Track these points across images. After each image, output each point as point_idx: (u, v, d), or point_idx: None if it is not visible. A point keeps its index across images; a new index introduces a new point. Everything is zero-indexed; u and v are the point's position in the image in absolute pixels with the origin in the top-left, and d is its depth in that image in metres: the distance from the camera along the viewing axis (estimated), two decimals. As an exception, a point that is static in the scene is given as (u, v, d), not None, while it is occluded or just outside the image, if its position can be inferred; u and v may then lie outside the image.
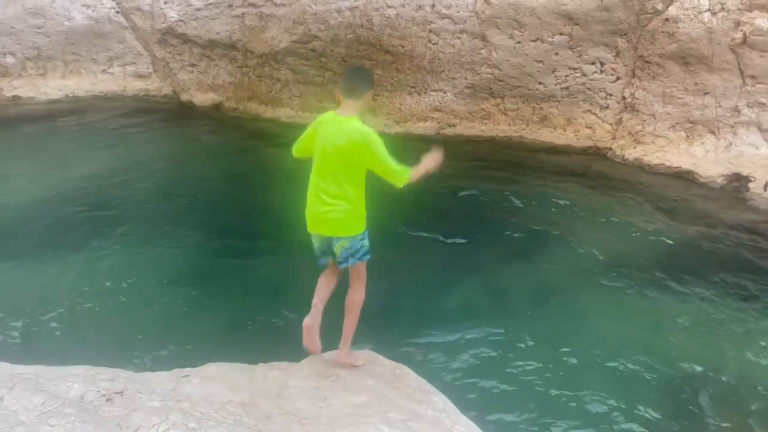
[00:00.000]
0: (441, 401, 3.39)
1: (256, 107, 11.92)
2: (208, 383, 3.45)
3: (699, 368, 6.45)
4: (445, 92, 11.02)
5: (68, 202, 8.90)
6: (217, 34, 11.53)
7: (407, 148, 10.83)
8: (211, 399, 3.29)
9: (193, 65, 12.14)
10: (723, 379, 6.34)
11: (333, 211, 4.08)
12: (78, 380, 3.30)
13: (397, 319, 6.49)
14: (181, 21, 11.68)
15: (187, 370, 3.59)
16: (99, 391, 3.22)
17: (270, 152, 10.95)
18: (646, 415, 5.87)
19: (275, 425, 3.03)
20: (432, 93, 11.10)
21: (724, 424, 5.71)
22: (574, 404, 5.90)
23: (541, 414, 5.58)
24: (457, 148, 11.05)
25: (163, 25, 11.86)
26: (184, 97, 12.41)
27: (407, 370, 3.67)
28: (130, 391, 3.24)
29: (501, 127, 11.01)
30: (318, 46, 10.98)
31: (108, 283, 6.83)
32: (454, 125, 11.17)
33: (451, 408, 3.38)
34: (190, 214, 8.70)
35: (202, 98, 12.21)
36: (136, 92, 12.60)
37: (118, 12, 12.19)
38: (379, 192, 9.53)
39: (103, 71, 12.61)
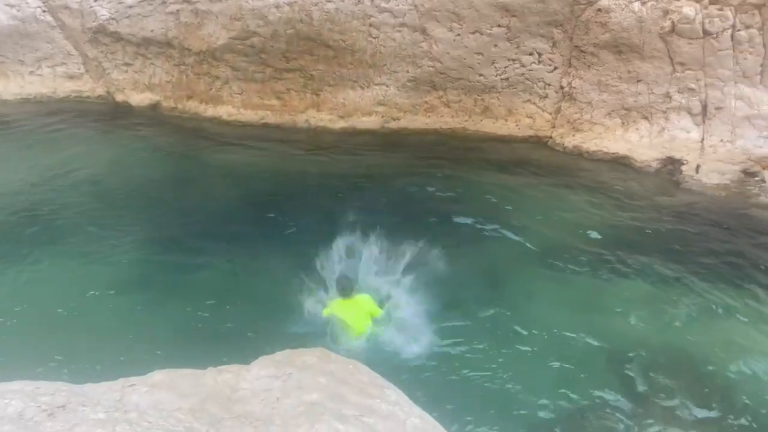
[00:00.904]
0: (394, 394, 3.39)
1: (195, 106, 11.66)
2: (155, 391, 3.35)
3: (639, 346, 6.71)
4: (388, 86, 11.04)
5: (-1, 211, 8.52)
6: (152, 31, 11.20)
7: (352, 143, 11.03)
8: (159, 407, 3.19)
9: (127, 64, 11.76)
10: (661, 354, 6.61)
11: None
12: (16, 396, 3.14)
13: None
14: (112, 19, 11.28)
15: (134, 379, 3.47)
16: (39, 406, 3.08)
17: (212, 151, 10.75)
18: (593, 392, 6.07)
19: (227, 429, 2.97)
20: (375, 87, 11.10)
21: (663, 400, 5.96)
22: (523, 388, 6.05)
23: (492, 400, 5.70)
24: (402, 142, 11.15)
25: (94, 23, 11.43)
26: (120, 97, 12.01)
27: (360, 365, 3.66)
28: (73, 404, 3.10)
29: (444, 119, 11.12)
30: (257, 42, 10.80)
31: (45, 294, 6.58)
32: (398, 119, 11.21)
33: (405, 400, 3.39)
34: (129, 219, 8.44)
35: (138, 98, 11.84)
36: (68, 94, 12.11)
37: (44, 11, 11.67)
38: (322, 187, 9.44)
39: (32, 73, 12.08)
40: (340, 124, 11.27)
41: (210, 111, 11.57)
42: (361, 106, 11.20)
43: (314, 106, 11.36)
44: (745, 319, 7.43)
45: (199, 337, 5.63)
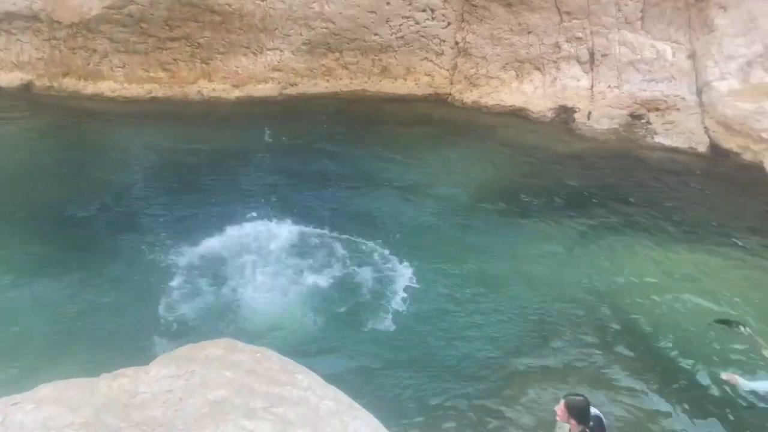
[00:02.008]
0: (306, 379, 3.28)
1: (74, 83, 10.75)
2: (43, 407, 3.07)
3: (547, 291, 6.97)
4: (282, 50, 10.62)
5: None
6: (14, 4, 10.13)
7: (250, 114, 10.59)
8: (48, 424, 2.93)
9: None
10: (565, 298, 6.89)
11: None
12: None
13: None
14: (-32, -8, 10.11)
15: (17, 397, 3.16)
16: None
17: (95, 131, 10.00)
18: (508, 344, 6.24)
19: None
20: (268, 52, 10.64)
21: (585, 338, 6.21)
22: (433, 335, 6.14)
23: (402, 369, 5.73)
24: (303, 108, 10.82)
25: (-53, -2, 10.21)
26: None
27: (269, 352, 3.51)
28: None
29: (344, 82, 10.87)
30: (135, 10, 10.02)
31: None
32: (296, 84, 10.85)
33: (318, 383, 3.29)
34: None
35: (7, 79, 10.77)
36: None
37: None
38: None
39: None
40: (236, 94, 10.77)
41: (90, 88, 10.71)
42: (255, 73, 10.73)
43: (205, 76, 10.77)
44: (636, 250, 7.90)
45: (87, 342, 5.21)
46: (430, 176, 9.01)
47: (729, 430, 5.20)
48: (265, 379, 3.22)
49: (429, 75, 10.67)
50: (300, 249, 7.20)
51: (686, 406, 5.35)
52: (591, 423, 4.72)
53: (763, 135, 8.35)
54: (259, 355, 3.44)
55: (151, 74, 10.64)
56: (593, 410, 4.94)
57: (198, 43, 10.51)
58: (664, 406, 5.38)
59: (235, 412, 2.82)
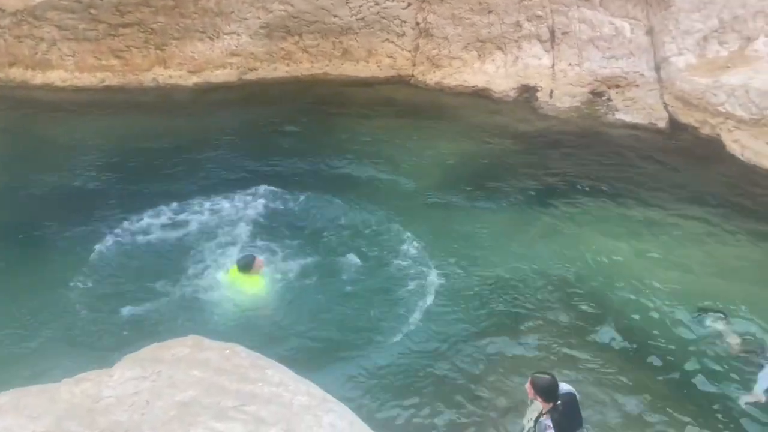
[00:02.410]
0: (278, 374, 3.20)
1: (21, 73, 10.33)
2: (2, 417, 2.93)
3: (514, 271, 7.01)
4: (239, 35, 10.35)
5: None
6: (-46, -9, 9.66)
7: (209, 100, 10.32)
8: (6, 438, 2.80)
9: None
10: (532, 277, 6.93)
11: None
12: None
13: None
14: None
15: (-28, 408, 3.01)
16: None
17: (46, 123, 9.63)
18: (477, 326, 6.25)
19: None
20: (225, 37, 10.37)
21: (556, 319, 6.26)
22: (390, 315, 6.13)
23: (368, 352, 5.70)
24: (263, 93, 10.60)
25: None
26: None
27: (239, 348, 3.41)
28: None
29: (304, 66, 10.67)
30: (83, -5, 9.65)
31: None
32: (255, 69, 10.61)
33: (291, 378, 3.22)
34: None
35: (-51, 70, 10.30)
36: None
37: None
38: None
39: None
40: (193, 80, 10.48)
41: (39, 78, 10.29)
42: (212, 59, 10.46)
43: (161, 63, 10.45)
44: (601, 227, 7.98)
45: (43, 345, 5.02)
46: (395, 157, 8.96)
47: (700, 408, 5.31)
48: (235, 377, 3.13)
49: (391, 57, 10.55)
50: (263, 237, 7.10)
51: (659, 387, 5.43)
52: (559, 401, 4.71)
53: (720, 109, 8.49)
54: (227, 351, 3.34)
55: (104, 62, 10.28)
56: (565, 387, 4.95)
57: (151, 29, 10.17)
58: (637, 386, 5.46)
59: (204, 413, 2.73)
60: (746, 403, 5.29)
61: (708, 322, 6.05)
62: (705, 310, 6.16)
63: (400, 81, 10.67)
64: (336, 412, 2.98)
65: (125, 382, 3.14)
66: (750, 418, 5.09)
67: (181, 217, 7.30)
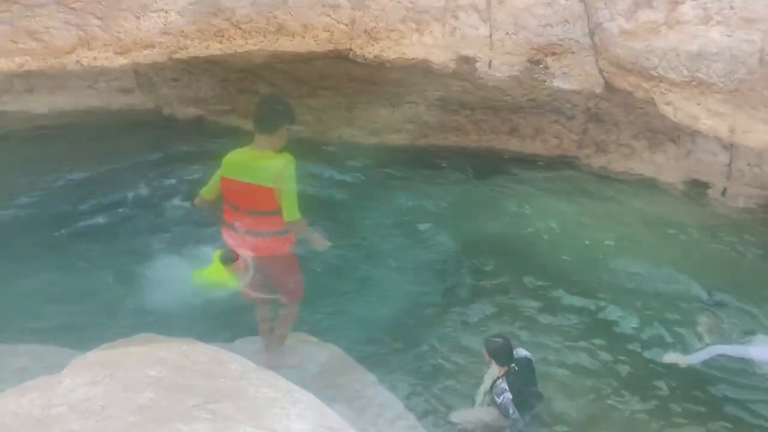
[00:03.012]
0: (240, 367, 3.11)
1: (236, 120, 10.38)
2: (147, 359, 2.95)
3: (458, 244, 7.14)
4: (167, 12, 9.92)
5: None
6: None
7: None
8: (147, 371, 2.89)
9: (175, 80, 10.57)
10: (484, 247, 7.07)
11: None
12: (23, 355, 3.87)
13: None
14: None
15: (131, 349, 3.03)
16: (42, 363, 3.55)
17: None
18: (427, 297, 6.31)
19: (200, 392, 2.72)
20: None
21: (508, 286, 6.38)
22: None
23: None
24: (197, 73, 10.23)
25: None
26: (167, 110, 10.81)
27: (196, 343, 3.31)
28: (71, 363, 3.07)
29: (238, 43, 10.34)
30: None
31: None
32: (186, 48, 10.20)
33: (251, 369, 3.14)
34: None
35: (184, 112, 10.73)
36: (121, 107, 10.76)
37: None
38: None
39: (89, 87, 10.54)
40: (120, 61, 10.03)
41: (249, 125, 9.83)
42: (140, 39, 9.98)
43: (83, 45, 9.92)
44: (548, 194, 8.16)
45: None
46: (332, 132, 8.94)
47: (641, 370, 5.53)
48: (196, 374, 3.02)
49: (328, 30, 10.32)
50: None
51: (612, 352, 5.63)
52: (514, 364, 4.85)
53: (653, 73, 8.75)
54: (185, 347, 3.22)
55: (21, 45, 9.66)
56: (521, 351, 5.07)
57: (72, 8, 9.63)
58: (594, 347, 5.64)
59: (166, 416, 2.61)
60: (666, 362, 5.52)
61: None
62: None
63: (339, 56, 10.48)
64: (304, 402, 2.92)
65: (75, 389, 2.95)
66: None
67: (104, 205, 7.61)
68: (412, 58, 10.14)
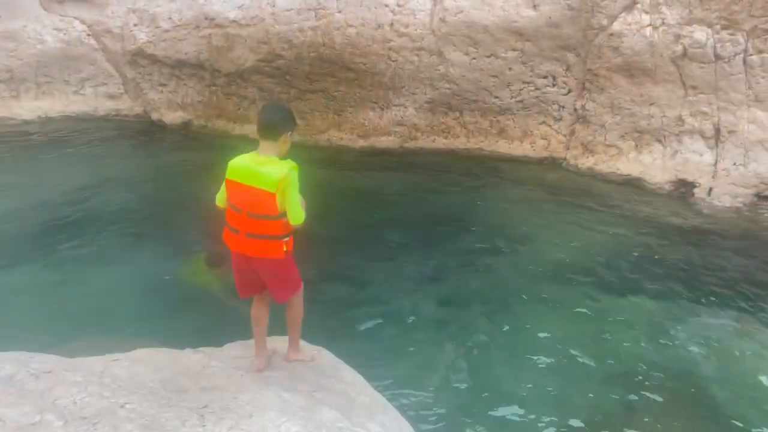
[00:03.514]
0: (351, 376, 3.64)
1: (224, 124, 12.25)
2: (134, 365, 3.68)
3: (643, 366, 6.72)
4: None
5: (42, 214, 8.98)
6: (185, 54, 11.87)
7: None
8: (134, 378, 3.51)
9: (162, 85, 12.47)
10: (663, 377, 6.60)
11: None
12: (9, 362, 3.51)
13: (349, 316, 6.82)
14: (150, 42, 12.02)
15: (117, 355, 3.81)
16: (29, 371, 3.43)
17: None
18: (593, 415, 6.11)
19: (188, 395, 3.26)
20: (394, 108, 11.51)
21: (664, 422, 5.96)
22: (524, 407, 6.14)
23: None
24: (419, 160, 11.47)
25: (133, 46, 12.19)
26: (155, 116, 12.72)
27: (323, 350, 3.93)
28: (58, 370, 3.45)
29: (461, 140, 11.41)
30: (282, 64, 11.34)
31: (76, 293, 6.83)
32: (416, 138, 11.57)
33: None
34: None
35: (171, 117, 12.53)
36: (107, 112, 12.87)
37: (89, 35, 12.51)
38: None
39: (75, 92, 12.89)
40: (360, 143, 11.68)
41: (237, 129, 12.14)
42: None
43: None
44: (750, 343, 7.37)
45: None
46: (537, 237, 9.11)
47: None
48: (315, 371, 3.62)
49: (545, 139, 10.85)
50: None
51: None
52: None
53: None
54: (315, 351, 3.85)
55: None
56: None
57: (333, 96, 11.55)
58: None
59: (278, 385, 3.23)
60: None
61: None
62: None
63: (553, 163, 10.93)
64: (390, 416, 3.32)
65: (230, 359, 3.79)
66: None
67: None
68: (626, 175, 10.17)
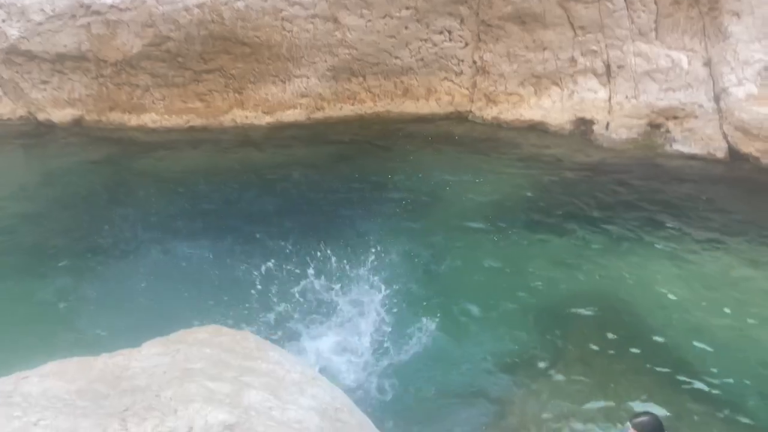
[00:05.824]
0: (277, 355, 3.61)
1: (119, 116, 11.64)
2: (46, 380, 3.50)
3: (567, 297, 7.09)
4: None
5: None
6: (65, 46, 11.10)
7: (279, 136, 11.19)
8: (47, 392, 3.34)
9: (44, 82, 11.64)
10: (590, 306, 6.98)
11: None
12: None
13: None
14: (23, 38, 11.14)
15: (26, 372, 3.62)
16: None
17: (138, 160, 10.77)
18: (524, 347, 6.39)
19: (107, 401, 3.14)
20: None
21: (590, 346, 6.32)
22: (457, 344, 6.37)
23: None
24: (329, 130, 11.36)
25: (5, 44, 11.27)
26: (41, 116, 11.88)
27: (249, 334, 3.87)
28: None
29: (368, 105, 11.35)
30: (172, 46, 10.82)
31: None
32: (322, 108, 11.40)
33: (288, 359, 3.60)
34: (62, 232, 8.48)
35: (60, 115, 11.75)
36: None
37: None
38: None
39: None
40: (266, 120, 11.40)
41: (134, 120, 11.56)
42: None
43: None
44: (661, 258, 7.89)
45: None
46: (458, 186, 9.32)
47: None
48: (241, 356, 3.55)
49: (449, 94, 10.99)
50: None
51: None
52: None
53: (782, 138, 8.28)
54: (239, 336, 3.79)
55: (188, 105, 11.39)
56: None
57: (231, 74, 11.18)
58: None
59: (202, 376, 3.16)
60: None
61: None
62: None
63: (459, 117, 11.10)
64: (322, 387, 3.32)
65: (150, 357, 3.65)
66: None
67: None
68: (529, 120, 10.49)
